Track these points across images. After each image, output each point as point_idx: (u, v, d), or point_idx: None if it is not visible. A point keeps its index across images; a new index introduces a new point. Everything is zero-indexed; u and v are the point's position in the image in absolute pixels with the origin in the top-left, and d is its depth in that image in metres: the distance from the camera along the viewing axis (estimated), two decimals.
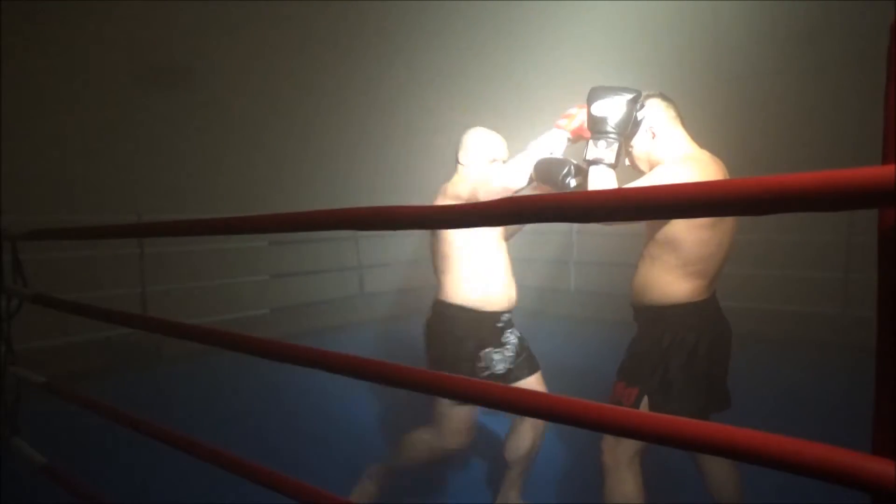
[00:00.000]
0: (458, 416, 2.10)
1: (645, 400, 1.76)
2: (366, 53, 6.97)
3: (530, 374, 2.21)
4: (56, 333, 4.27)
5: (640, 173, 1.86)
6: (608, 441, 1.83)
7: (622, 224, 1.73)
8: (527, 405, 0.95)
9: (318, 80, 6.67)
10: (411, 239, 6.93)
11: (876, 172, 0.56)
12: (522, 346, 2.23)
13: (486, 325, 2.12)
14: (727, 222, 1.74)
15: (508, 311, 2.19)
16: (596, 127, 1.75)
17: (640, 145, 1.83)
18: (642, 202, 0.76)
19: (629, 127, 1.76)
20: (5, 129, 4.46)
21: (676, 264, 1.74)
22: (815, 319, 5.11)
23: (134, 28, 5.37)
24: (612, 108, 1.73)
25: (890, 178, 0.55)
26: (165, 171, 5.54)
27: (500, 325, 2.17)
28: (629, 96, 1.74)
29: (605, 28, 6.61)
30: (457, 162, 2.20)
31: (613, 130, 1.73)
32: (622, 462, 1.80)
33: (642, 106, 1.81)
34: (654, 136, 1.81)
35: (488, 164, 2.14)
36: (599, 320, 6.09)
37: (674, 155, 1.78)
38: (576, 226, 6.58)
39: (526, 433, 2.24)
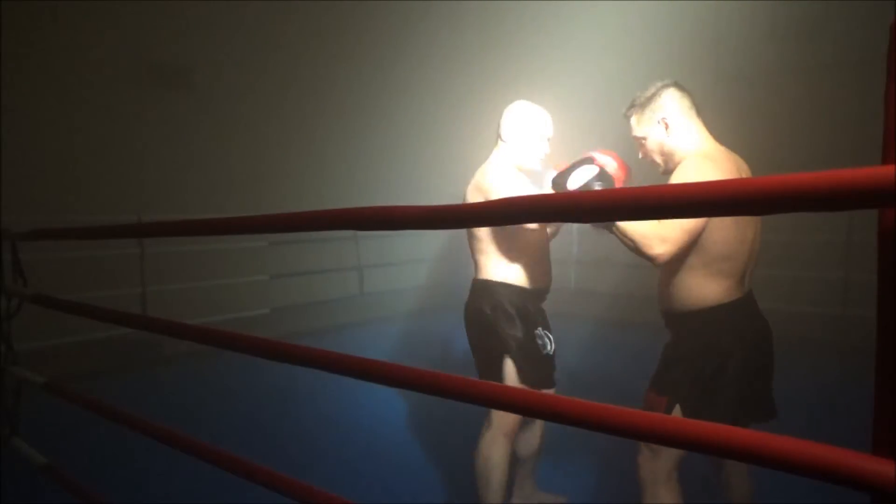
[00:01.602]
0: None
1: (677, 409, 1.69)
2: (367, 54, 6.97)
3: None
4: (56, 333, 4.27)
5: (655, 165, 1.83)
6: (644, 455, 1.76)
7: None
8: (539, 408, 0.95)
9: (319, 81, 6.66)
10: (411, 239, 6.93)
11: (876, 172, 0.56)
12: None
13: (531, 301, 2.14)
14: (749, 218, 1.68)
15: (547, 291, 2.21)
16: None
17: (654, 137, 1.78)
18: (640, 202, 0.76)
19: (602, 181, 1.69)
20: (5, 128, 4.46)
21: (701, 263, 1.67)
22: (815, 319, 5.11)
23: (134, 28, 5.36)
24: (580, 177, 1.67)
25: (890, 178, 0.55)
26: (165, 171, 5.53)
27: (542, 304, 2.19)
28: (586, 166, 1.68)
29: (604, 28, 6.61)
30: (498, 138, 2.11)
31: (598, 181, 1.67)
32: (660, 477, 1.73)
33: (656, 97, 1.77)
34: (667, 127, 1.75)
35: (537, 140, 2.08)
36: (600, 320, 6.10)
37: (689, 150, 1.73)
38: (576, 225, 6.58)
39: (536, 429, 2.26)
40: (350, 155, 6.97)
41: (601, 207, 0.82)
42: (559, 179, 1.71)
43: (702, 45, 6.05)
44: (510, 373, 2.06)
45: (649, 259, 1.64)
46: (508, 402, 0.99)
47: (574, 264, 6.83)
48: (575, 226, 6.72)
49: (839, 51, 5.35)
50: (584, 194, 0.82)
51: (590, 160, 1.72)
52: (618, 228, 1.63)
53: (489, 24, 7.32)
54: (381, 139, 7.25)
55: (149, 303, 5.02)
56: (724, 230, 1.65)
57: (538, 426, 2.26)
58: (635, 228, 1.61)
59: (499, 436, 2.06)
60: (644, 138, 1.80)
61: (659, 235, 1.59)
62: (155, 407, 3.22)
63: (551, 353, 2.15)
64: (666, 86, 1.78)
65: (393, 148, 7.33)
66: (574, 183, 1.66)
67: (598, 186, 1.65)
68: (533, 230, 2.04)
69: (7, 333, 2.40)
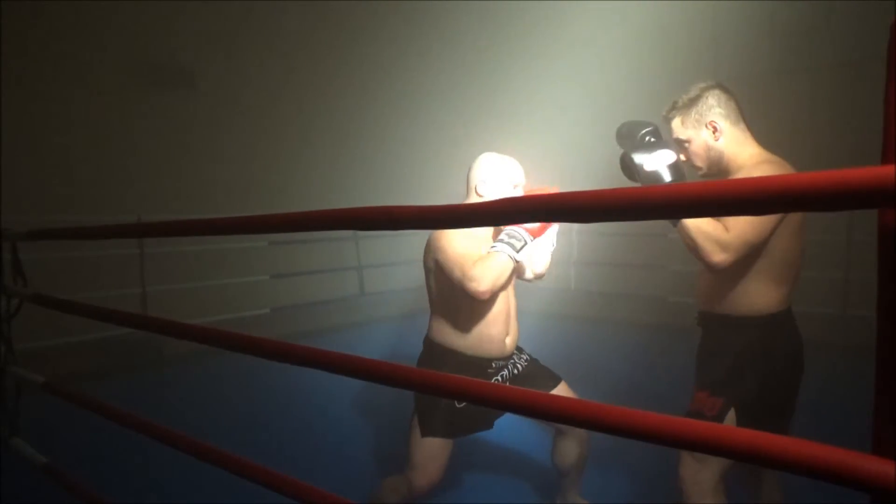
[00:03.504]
0: (427, 447, 1.98)
1: (731, 413, 1.67)
2: (366, 55, 6.97)
3: (553, 387, 2.13)
4: (56, 333, 4.27)
5: (696, 168, 1.77)
6: (689, 467, 1.71)
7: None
8: (560, 413, 0.94)
9: (318, 81, 6.66)
10: (411, 239, 6.94)
11: (876, 172, 0.56)
12: (526, 373, 2.14)
13: (474, 372, 2.02)
14: (803, 226, 1.67)
15: (501, 359, 2.08)
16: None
17: (699, 140, 1.72)
18: (642, 202, 0.76)
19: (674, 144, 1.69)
20: (5, 129, 4.46)
21: (764, 269, 1.64)
22: (815, 319, 5.10)
23: (134, 28, 5.37)
24: (656, 160, 1.64)
25: (890, 178, 0.55)
26: (165, 171, 5.54)
27: (490, 370, 2.06)
28: (649, 128, 1.68)
29: (604, 29, 6.61)
30: (470, 190, 2.05)
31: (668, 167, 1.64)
32: (707, 491, 1.67)
33: (700, 100, 1.72)
34: (715, 130, 1.70)
35: (510, 191, 2.00)
36: (599, 320, 6.10)
37: (737, 154, 1.69)
38: (576, 226, 6.58)
39: (571, 440, 2.17)
40: (350, 154, 6.97)
41: (600, 208, 0.82)
42: (632, 151, 1.67)
43: (702, 45, 6.05)
44: (415, 424, 2.03)
45: (706, 265, 1.60)
46: (515, 404, 0.98)
47: (573, 265, 6.83)
48: (574, 226, 6.72)
49: (839, 51, 5.35)
50: (585, 194, 0.82)
51: (671, 146, 1.68)
52: (682, 225, 1.59)
53: (489, 25, 7.32)
54: (381, 139, 7.25)
55: (149, 303, 5.02)
56: (791, 237, 1.63)
57: (578, 437, 2.16)
58: (700, 230, 1.57)
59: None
60: (688, 141, 1.74)
61: (721, 243, 1.56)
62: (155, 407, 3.22)
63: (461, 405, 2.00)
64: (710, 87, 1.73)
65: (393, 147, 7.33)
66: (650, 163, 1.64)
67: (668, 176, 1.63)
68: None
69: (7, 333, 2.39)
